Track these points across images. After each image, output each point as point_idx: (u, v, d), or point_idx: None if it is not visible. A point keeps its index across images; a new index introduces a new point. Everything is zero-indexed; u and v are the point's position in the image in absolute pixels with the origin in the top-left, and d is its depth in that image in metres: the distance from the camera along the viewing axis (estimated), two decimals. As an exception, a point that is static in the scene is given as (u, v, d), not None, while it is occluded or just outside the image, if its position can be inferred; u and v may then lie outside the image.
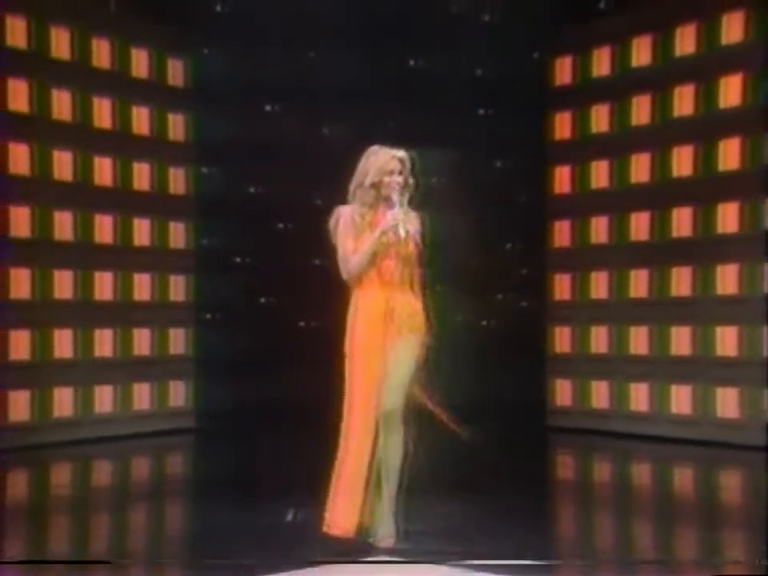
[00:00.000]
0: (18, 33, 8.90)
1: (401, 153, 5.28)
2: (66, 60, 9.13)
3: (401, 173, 5.25)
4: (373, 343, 5.27)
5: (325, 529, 5.24)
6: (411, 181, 5.30)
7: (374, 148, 5.30)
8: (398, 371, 5.25)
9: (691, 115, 9.16)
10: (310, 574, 4.94)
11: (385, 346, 5.26)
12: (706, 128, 9.02)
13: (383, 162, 5.25)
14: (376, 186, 5.24)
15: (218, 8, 9.31)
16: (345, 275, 5.33)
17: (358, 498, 5.24)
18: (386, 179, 5.23)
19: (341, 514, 5.22)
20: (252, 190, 10.07)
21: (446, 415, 5.25)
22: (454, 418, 5.24)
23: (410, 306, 5.28)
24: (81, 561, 4.67)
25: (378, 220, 5.28)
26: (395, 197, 5.23)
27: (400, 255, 5.26)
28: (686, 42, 9.14)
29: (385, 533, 5.22)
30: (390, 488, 5.23)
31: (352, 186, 5.31)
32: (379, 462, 5.22)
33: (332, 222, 5.30)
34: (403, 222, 5.21)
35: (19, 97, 8.84)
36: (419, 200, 5.31)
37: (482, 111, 9.70)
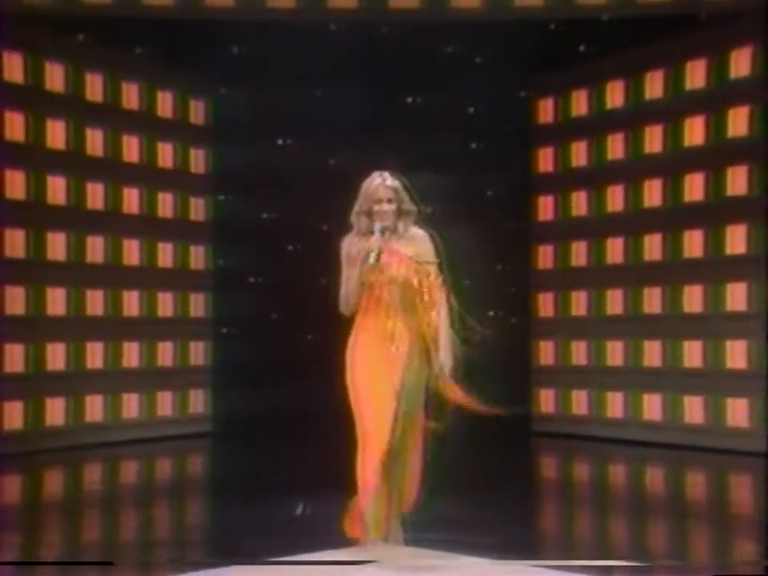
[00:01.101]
0: (56, 78, 8.96)
1: (391, 181, 5.02)
2: (99, 102, 9.26)
3: (390, 201, 4.97)
4: (376, 372, 4.90)
5: (349, 532, 4.91)
6: (410, 207, 5.00)
7: (374, 175, 5.06)
8: (408, 398, 4.86)
9: (660, 152, 9.22)
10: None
11: (389, 372, 4.86)
12: (673, 163, 9.11)
13: (373, 190, 5.00)
14: (368, 213, 5.00)
15: (234, 51, 9.37)
16: (342, 309, 5.02)
17: (381, 502, 4.90)
18: (376, 207, 4.97)
19: (366, 517, 4.88)
20: (264, 215, 10.21)
21: (476, 402, 4.86)
22: (485, 402, 4.88)
23: (415, 331, 4.88)
24: (84, 562, 4.45)
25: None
26: (377, 225, 4.92)
27: (396, 281, 4.93)
28: (654, 87, 9.24)
29: (395, 537, 4.93)
30: (398, 500, 4.91)
31: (354, 211, 5.07)
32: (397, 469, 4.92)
33: (340, 252, 5.07)
34: (378, 250, 4.87)
35: (57, 135, 8.91)
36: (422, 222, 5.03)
37: (473, 145, 9.87)
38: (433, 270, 4.92)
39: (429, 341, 4.87)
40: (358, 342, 4.96)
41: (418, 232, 4.99)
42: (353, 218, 5.02)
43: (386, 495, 4.89)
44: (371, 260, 4.83)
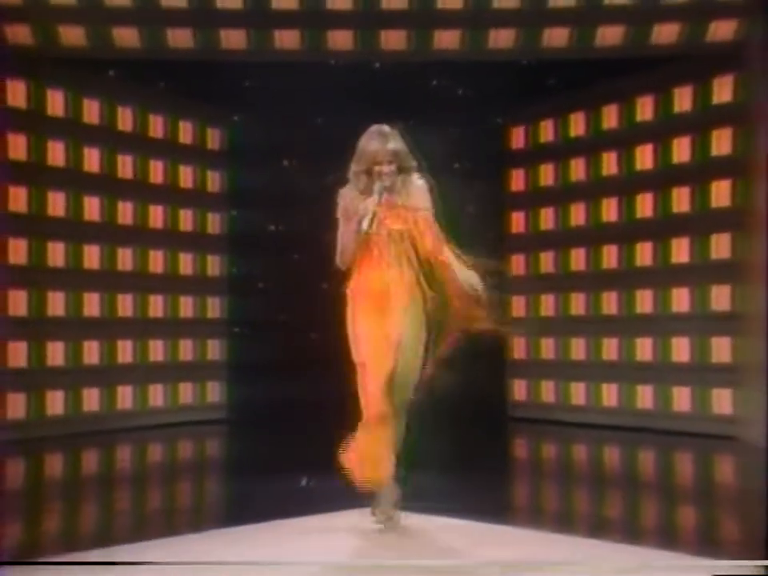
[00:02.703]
0: (92, 111, 9.15)
1: (393, 143, 4.52)
2: (128, 132, 9.42)
3: (390, 162, 4.50)
4: (374, 324, 4.48)
5: (348, 465, 4.50)
6: (409, 162, 4.54)
7: (372, 133, 4.56)
8: (406, 350, 4.46)
9: (616, 174, 9.44)
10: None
11: (387, 325, 4.45)
12: (627, 185, 9.35)
13: (372, 152, 4.51)
14: (367, 173, 4.54)
15: (246, 85, 9.48)
16: (338, 262, 4.65)
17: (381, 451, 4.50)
18: (376, 168, 4.50)
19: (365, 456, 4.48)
20: (272, 228, 10.30)
21: (498, 323, 4.50)
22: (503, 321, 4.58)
23: (406, 280, 4.49)
24: (84, 562, 4.11)
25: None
26: (377, 186, 4.48)
27: (392, 235, 4.52)
28: (610, 118, 9.48)
29: (385, 513, 4.63)
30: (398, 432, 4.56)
31: (351, 168, 4.62)
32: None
33: (338, 208, 4.66)
34: (373, 214, 4.44)
35: (93, 161, 9.08)
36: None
37: (456, 165, 9.89)
38: (428, 216, 4.53)
39: (426, 290, 4.47)
40: (356, 295, 4.58)
41: (417, 182, 4.60)
42: (350, 175, 4.61)
43: (383, 430, 4.50)
44: (364, 226, 4.46)
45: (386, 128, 4.55)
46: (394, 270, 4.51)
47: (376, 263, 4.52)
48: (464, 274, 4.47)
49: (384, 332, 4.46)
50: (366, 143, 4.54)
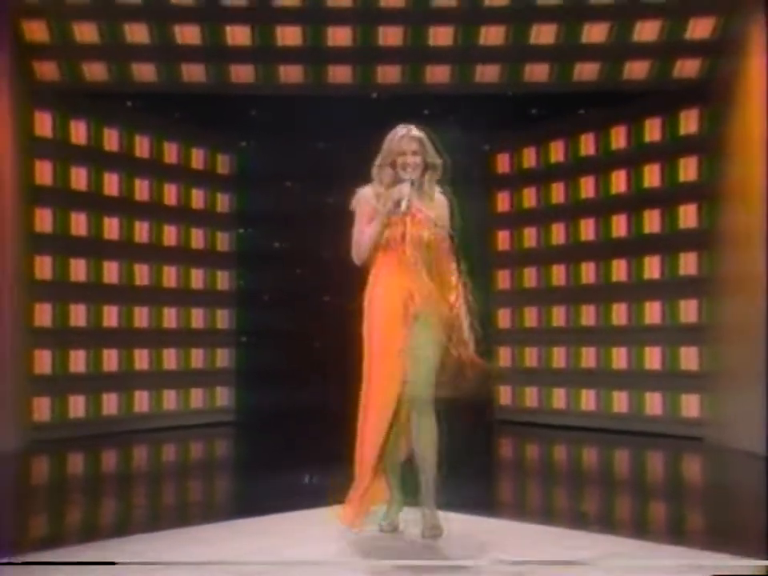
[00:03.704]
0: (112, 140, 9.22)
1: (418, 132, 4.19)
2: (145, 158, 9.51)
3: (415, 153, 4.14)
4: (392, 329, 4.07)
5: (344, 520, 4.15)
6: (435, 159, 4.20)
7: (398, 128, 4.23)
8: (422, 356, 4.05)
9: (592, 197, 9.49)
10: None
11: (404, 331, 4.06)
12: (603, 207, 9.40)
13: (397, 141, 4.16)
14: (392, 165, 4.17)
15: (253, 114, 9.58)
16: (356, 258, 4.21)
17: (378, 483, 4.19)
18: (401, 159, 4.14)
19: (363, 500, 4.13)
20: (277, 245, 10.36)
21: (482, 361, 4.16)
22: (489, 362, 4.26)
23: (428, 291, 4.06)
24: (85, 562, 3.90)
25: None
26: (408, 176, 4.10)
27: (416, 241, 4.10)
28: (588, 146, 9.56)
29: (429, 523, 4.16)
30: (428, 475, 4.13)
31: (373, 168, 4.24)
32: (405, 450, 4.20)
33: (353, 204, 4.24)
34: (409, 198, 4.05)
35: (113, 185, 9.16)
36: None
37: (446, 188, 9.98)
38: (444, 234, 4.20)
39: (446, 306, 4.09)
40: (375, 297, 4.17)
41: (440, 197, 4.29)
42: (374, 171, 4.24)
43: (384, 474, 4.20)
44: (403, 207, 4.05)
45: (412, 126, 4.24)
46: (415, 278, 4.10)
47: (395, 270, 4.13)
48: (466, 323, 4.13)
49: (401, 344, 4.06)
50: (392, 136, 4.22)
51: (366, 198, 4.20)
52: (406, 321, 4.09)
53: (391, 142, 4.20)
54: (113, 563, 3.88)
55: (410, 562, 3.89)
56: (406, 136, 4.18)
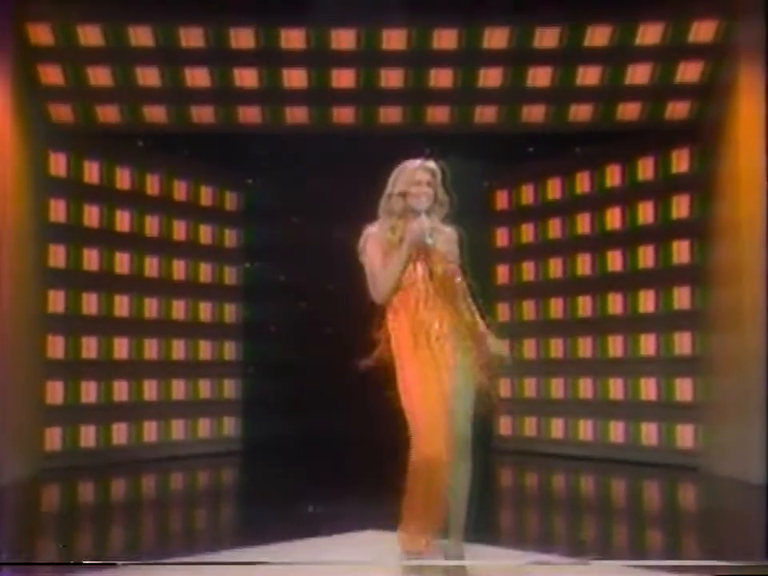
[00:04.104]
0: (124, 179, 9.26)
1: (430, 163, 3.99)
2: (156, 195, 9.60)
3: (429, 184, 3.95)
4: (423, 372, 3.81)
5: (403, 548, 3.95)
6: (444, 196, 4.00)
7: (406, 162, 4.02)
8: (459, 397, 3.84)
9: (588, 233, 9.57)
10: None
11: (439, 373, 3.81)
12: (598, 243, 9.48)
13: (411, 171, 3.96)
14: (403, 195, 3.94)
15: (260, 153, 9.58)
16: (375, 296, 3.92)
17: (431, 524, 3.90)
18: (414, 189, 3.92)
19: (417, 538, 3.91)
20: (282, 278, 10.36)
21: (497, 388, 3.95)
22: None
23: (454, 328, 3.86)
24: (88, 563, 3.95)
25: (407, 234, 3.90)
26: (421, 207, 3.89)
27: (436, 276, 3.88)
28: (584, 184, 9.64)
29: (454, 555, 3.97)
30: (460, 513, 3.96)
31: (382, 200, 4.01)
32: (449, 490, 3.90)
33: (361, 243, 3.99)
34: (431, 231, 3.86)
35: (125, 222, 9.27)
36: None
37: (447, 222, 9.92)
38: (456, 268, 4.00)
39: (468, 337, 3.88)
40: (401, 343, 3.89)
41: (448, 229, 4.07)
42: (383, 201, 4.01)
43: (436, 511, 3.90)
44: (428, 240, 3.84)
45: (430, 161, 4.04)
46: (437, 314, 3.87)
47: (413, 307, 3.88)
48: (495, 342, 3.98)
49: (433, 385, 3.81)
50: (404, 165, 4.02)
51: (375, 236, 3.96)
52: (435, 361, 3.82)
53: (404, 171, 4.00)
54: (114, 563, 3.86)
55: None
56: (421, 167, 3.99)
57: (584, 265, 9.69)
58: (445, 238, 4.03)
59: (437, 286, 3.90)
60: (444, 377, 3.83)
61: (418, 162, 4.01)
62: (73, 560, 4.10)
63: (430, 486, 3.84)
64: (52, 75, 8.06)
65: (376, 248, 3.93)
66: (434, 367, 3.83)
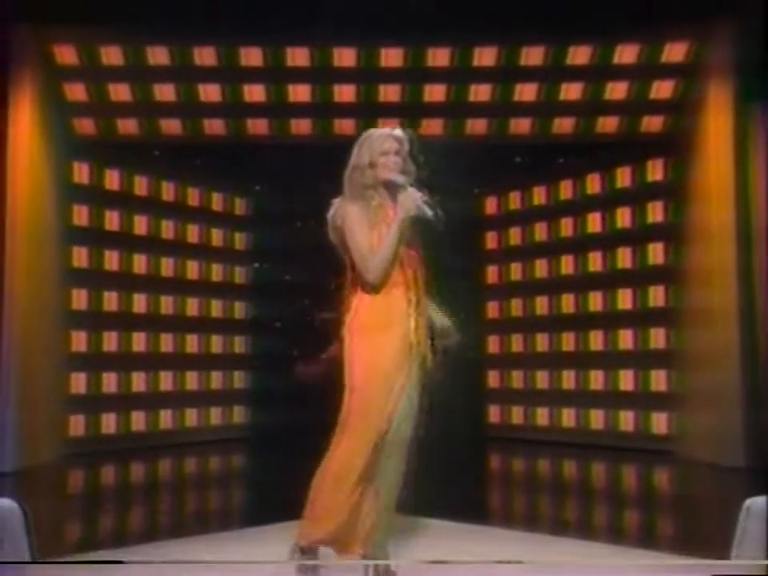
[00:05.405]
0: (141, 186, 9.32)
1: (398, 131, 3.51)
2: (170, 201, 9.63)
3: (397, 153, 3.46)
4: (397, 363, 3.39)
5: (301, 541, 3.51)
6: (410, 166, 3.51)
7: (372, 130, 3.55)
8: (413, 395, 3.43)
9: (571, 236, 9.62)
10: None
11: (408, 366, 3.39)
12: (580, 245, 9.51)
13: (378, 140, 3.46)
14: (372, 166, 3.45)
15: (267, 162, 9.38)
16: (368, 276, 3.41)
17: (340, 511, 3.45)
18: (382, 159, 3.44)
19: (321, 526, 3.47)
20: (288, 278, 10.39)
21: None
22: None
23: (412, 305, 3.42)
24: (93, 561, 3.71)
25: (388, 212, 3.41)
26: (398, 178, 3.41)
27: (419, 253, 3.47)
28: (567, 191, 9.68)
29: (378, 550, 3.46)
30: (387, 506, 3.47)
31: (346, 174, 3.52)
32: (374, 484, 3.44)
33: (337, 221, 3.53)
34: (424, 202, 3.36)
35: (142, 225, 9.30)
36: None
37: (440, 227, 9.89)
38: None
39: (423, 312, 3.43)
40: (356, 326, 3.45)
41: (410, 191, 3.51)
42: (349, 174, 3.51)
43: (367, 499, 3.47)
44: (428, 212, 3.36)
45: (398, 128, 3.57)
46: (400, 294, 3.46)
47: (394, 289, 3.47)
48: (441, 318, 3.58)
49: (403, 380, 3.40)
50: (369, 133, 3.53)
51: (356, 213, 3.44)
52: (411, 356, 3.41)
53: (370, 140, 3.49)
54: (120, 562, 3.64)
55: (411, 560, 3.74)
56: (389, 135, 3.49)
57: (567, 265, 9.74)
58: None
59: (402, 265, 3.47)
60: (410, 369, 3.41)
61: (385, 129, 3.53)
62: (80, 555, 3.95)
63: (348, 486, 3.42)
64: (76, 92, 8.15)
65: (361, 226, 3.43)
66: (406, 357, 3.41)
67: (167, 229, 9.67)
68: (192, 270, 9.94)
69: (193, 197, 9.96)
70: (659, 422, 8.79)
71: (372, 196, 3.45)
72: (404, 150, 3.51)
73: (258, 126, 8.51)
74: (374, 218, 3.43)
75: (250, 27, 7.55)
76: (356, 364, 3.46)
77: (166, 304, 9.66)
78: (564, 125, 8.47)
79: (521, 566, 3.76)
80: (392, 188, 3.47)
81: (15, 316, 7.38)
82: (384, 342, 3.42)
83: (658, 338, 8.89)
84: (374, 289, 3.44)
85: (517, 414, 10.15)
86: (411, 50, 7.93)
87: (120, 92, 8.15)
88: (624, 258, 9.21)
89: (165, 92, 8.17)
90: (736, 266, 7.40)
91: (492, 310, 10.42)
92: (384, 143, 3.48)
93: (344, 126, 8.50)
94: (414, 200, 3.41)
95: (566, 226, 9.75)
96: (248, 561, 3.85)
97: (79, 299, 8.83)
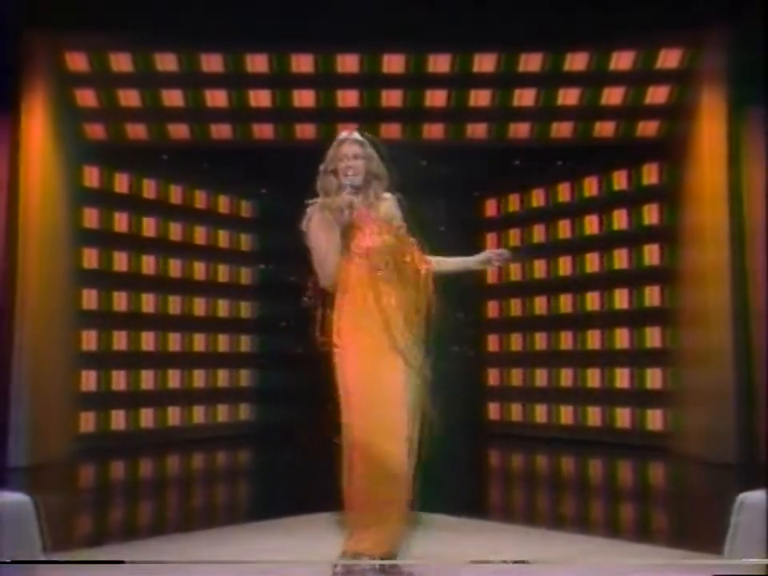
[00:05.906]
0: (150, 189, 9.36)
1: (356, 135, 3.50)
2: (179, 204, 9.67)
3: (356, 157, 3.45)
4: (377, 364, 3.35)
5: (347, 552, 3.41)
6: (380, 169, 3.49)
7: (341, 134, 3.55)
8: (415, 407, 3.37)
9: (569, 237, 9.63)
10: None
11: (398, 375, 3.35)
12: (578, 247, 9.48)
13: (337, 146, 3.49)
14: (334, 172, 3.49)
15: (272, 165, 9.30)
16: (324, 279, 3.52)
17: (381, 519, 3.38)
18: (341, 164, 3.46)
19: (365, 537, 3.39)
20: (292, 279, 9.60)
21: None
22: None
23: (410, 306, 3.37)
24: (94, 561, 3.64)
25: (353, 215, 3.45)
26: (352, 182, 3.43)
27: (379, 250, 3.41)
28: (565, 194, 9.67)
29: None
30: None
31: (320, 174, 3.57)
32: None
33: (304, 224, 3.61)
34: (351, 203, 3.39)
35: (151, 227, 9.38)
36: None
37: (441, 228, 9.33)
38: (404, 228, 3.48)
39: (422, 316, 3.39)
40: (349, 322, 3.42)
41: (385, 195, 3.55)
42: (318, 182, 3.56)
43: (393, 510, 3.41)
44: (347, 215, 3.38)
45: (355, 132, 3.56)
46: (387, 295, 3.40)
47: (366, 287, 3.43)
48: (470, 260, 3.63)
49: (400, 394, 3.33)
50: (333, 143, 3.56)
51: (317, 217, 3.50)
52: (391, 352, 3.35)
53: (333, 146, 3.52)
54: (122, 562, 3.55)
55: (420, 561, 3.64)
56: (347, 140, 3.50)
57: (565, 266, 9.77)
58: (386, 206, 3.54)
59: (385, 260, 3.43)
60: (401, 371, 3.36)
61: (342, 134, 3.53)
62: (90, 548, 3.94)
63: (386, 488, 3.35)
64: (87, 98, 8.18)
65: (318, 229, 3.49)
66: (389, 358, 3.36)
67: (175, 231, 9.71)
68: (199, 270, 9.97)
69: (200, 199, 9.99)
70: (654, 419, 8.80)
71: (334, 200, 3.48)
72: (366, 153, 3.50)
73: (263, 131, 8.54)
74: (340, 221, 3.45)
75: (256, 35, 7.59)
76: (347, 366, 3.50)
77: (174, 304, 9.69)
78: (562, 129, 8.49)
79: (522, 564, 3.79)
80: (359, 191, 3.48)
81: (28, 315, 7.45)
82: (368, 342, 3.40)
83: (653, 337, 8.91)
84: (332, 289, 3.50)
85: (516, 411, 10.16)
86: (413, 56, 7.96)
87: (130, 98, 8.18)
88: (620, 259, 9.24)
89: (173, 98, 8.20)
90: (729, 266, 7.43)
91: (492, 308, 10.43)
92: (341, 148, 3.50)
93: (346, 129, 8.54)
94: (338, 203, 3.44)
95: (564, 228, 9.78)
96: (248, 561, 3.84)
97: (89, 299, 8.87)
